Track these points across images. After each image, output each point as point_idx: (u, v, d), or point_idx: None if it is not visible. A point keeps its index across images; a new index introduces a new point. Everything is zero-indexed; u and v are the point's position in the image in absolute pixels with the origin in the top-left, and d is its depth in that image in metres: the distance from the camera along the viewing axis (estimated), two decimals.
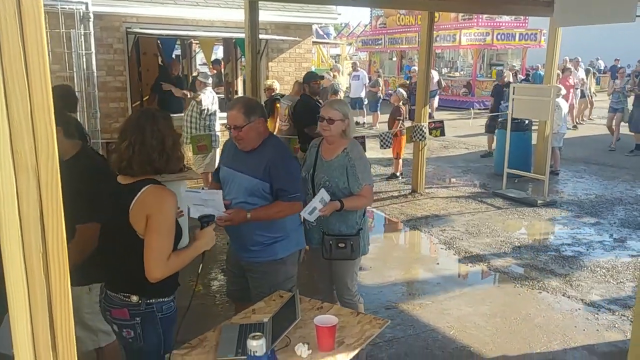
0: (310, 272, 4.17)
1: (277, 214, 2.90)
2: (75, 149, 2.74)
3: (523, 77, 18.36)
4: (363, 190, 3.20)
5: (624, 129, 11.56)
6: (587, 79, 15.13)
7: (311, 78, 6.61)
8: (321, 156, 3.30)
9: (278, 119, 7.48)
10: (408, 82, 15.05)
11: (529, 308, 4.47)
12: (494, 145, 9.99)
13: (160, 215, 2.14)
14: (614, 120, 11.68)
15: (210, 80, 7.35)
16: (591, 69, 16.98)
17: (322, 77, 6.87)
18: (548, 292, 4.78)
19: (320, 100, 6.76)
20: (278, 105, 7.52)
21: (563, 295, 4.72)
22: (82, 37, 6.46)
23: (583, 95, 14.94)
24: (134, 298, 2.24)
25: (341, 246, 3.20)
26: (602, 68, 25.37)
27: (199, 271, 2.39)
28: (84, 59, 6.49)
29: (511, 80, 11.34)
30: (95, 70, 6.65)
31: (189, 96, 7.53)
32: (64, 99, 4.39)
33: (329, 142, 3.27)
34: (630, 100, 11.18)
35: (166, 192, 2.21)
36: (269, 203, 2.90)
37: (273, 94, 7.76)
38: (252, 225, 2.86)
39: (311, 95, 6.48)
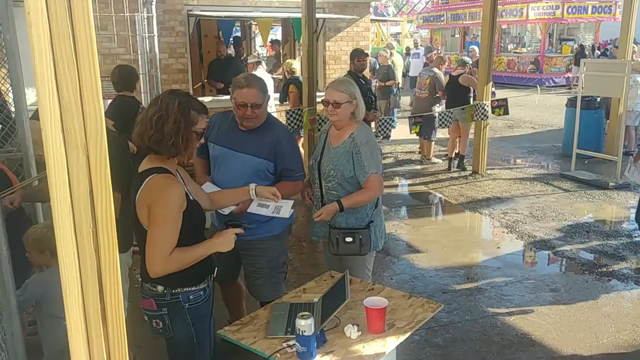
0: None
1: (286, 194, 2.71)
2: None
3: (600, 53, 17.30)
4: (369, 181, 2.88)
5: None
6: None
7: (355, 55, 6.50)
8: (329, 142, 3.06)
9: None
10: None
11: (597, 296, 4.24)
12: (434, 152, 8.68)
13: (160, 207, 2.03)
14: None
15: (260, 60, 7.35)
16: None
17: (367, 55, 6.60)
18: (618, 280, 4.50)
19: (367, 79, 6.71)
20: (294, 89, 7.11)
21: (635, 283, 4.44)
22: (145, 20, 6.61)
23: None
24: (159, 288, 2.16)
25: (348, 240, 2.93)
26: None
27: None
28: (147, 42, 6.65)
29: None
30: (157, 53, 6.79)
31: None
32: (123, 77, 4.77)
33: (337, 127, 3.01)
34: None
35: (168, 181, 2.08)
36: (269, 183, 2.83)
37: (292, 76, 7.23)
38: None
39: (356, 73, 6.37)
